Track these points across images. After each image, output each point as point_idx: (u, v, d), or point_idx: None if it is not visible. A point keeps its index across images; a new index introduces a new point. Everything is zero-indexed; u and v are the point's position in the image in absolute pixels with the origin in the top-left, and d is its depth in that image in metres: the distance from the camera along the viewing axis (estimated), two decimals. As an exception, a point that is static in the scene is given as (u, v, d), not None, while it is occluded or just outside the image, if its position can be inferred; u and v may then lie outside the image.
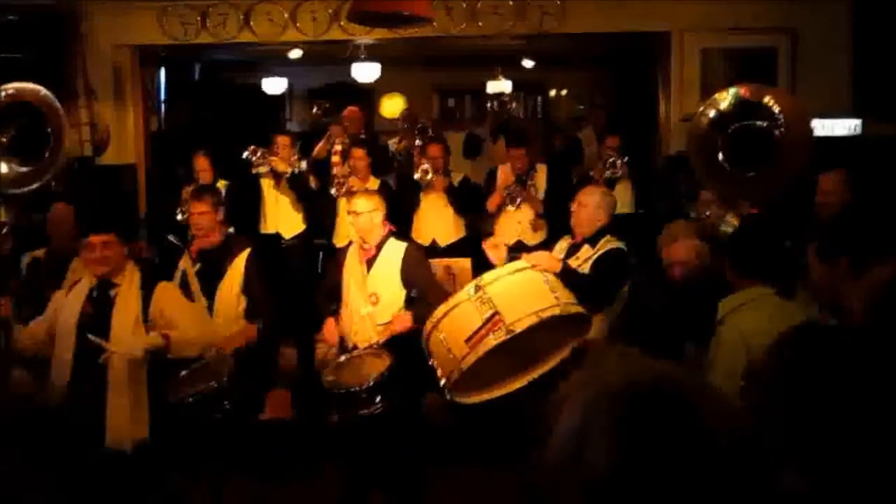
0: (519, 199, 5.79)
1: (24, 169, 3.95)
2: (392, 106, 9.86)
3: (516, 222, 5.98)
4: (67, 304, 3.83)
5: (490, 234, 5.77)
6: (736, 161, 3.60)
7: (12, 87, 3.98)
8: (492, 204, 6.02)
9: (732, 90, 3.72)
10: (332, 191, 6.16)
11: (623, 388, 0.99)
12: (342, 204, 6.32)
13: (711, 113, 3.70)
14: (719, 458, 0.95)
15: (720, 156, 3.63)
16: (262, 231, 6.61)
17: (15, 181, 3.97)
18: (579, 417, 0.98)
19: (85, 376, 3.68)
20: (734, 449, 0.96)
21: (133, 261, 3.97)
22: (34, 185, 3.98)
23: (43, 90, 3.97)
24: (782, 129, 3.47)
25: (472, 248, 5.72)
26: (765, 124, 3.53)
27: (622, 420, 0.96)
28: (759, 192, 3.52)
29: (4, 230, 3.87)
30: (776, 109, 3.53)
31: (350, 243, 4.78)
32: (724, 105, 3.66)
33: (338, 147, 6.69)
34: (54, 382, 3.75)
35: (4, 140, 3.97)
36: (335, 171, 6.45)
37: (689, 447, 0.94)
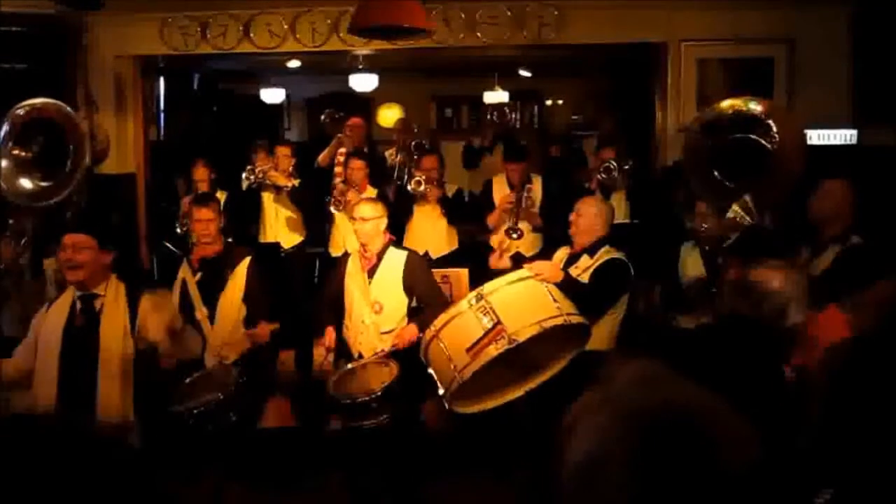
0: (518, 235, 5.53)
1: (44, 184, 3.98)
2: (390, 115, 9.91)
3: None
4: (48, 321, 3.57)
5: (486, 244, 5.73)
6: (731, 174, 3.62)
7: (34, 102, 4.00)
8: (492, 219, 5.95)
9: (729, 103, 3.74)
10: (331, 208, 6.12)
11: (637, 417, 0.98)
12: (338, 213, 6.34)
13: (707, 125, 3.72)
14: (732, 488, 0.94)
15: (715, 169, 3.65)
16: (262, 241, 6.62)
17: (35, 195, 3.99)
18: (592, 443, 0.98)
19: (72, 391, 3.44)
20: (747, 478, 0.95)
21: (115, 274, 3.67)
22: (53, 200, 4.00)
23: (65, 106, 4.01)
24: (776, 144, 3.49)
25: (464, 260, 5.71)
26: (761, 140, 3.55)
27: (636, 451, 0.95)
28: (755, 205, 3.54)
29: (24, 240, 3.86)
30: (771, 123, 3.55)
31: (347, 252, 4.79)
32: (720, 118, 3.68)
33: (340, 158, 6.71)
34: (38, 402, 3.44)
35: (28, 154, 4.00)
36: (336, 180, 6.47)
37: (703, 479, 0.93)
